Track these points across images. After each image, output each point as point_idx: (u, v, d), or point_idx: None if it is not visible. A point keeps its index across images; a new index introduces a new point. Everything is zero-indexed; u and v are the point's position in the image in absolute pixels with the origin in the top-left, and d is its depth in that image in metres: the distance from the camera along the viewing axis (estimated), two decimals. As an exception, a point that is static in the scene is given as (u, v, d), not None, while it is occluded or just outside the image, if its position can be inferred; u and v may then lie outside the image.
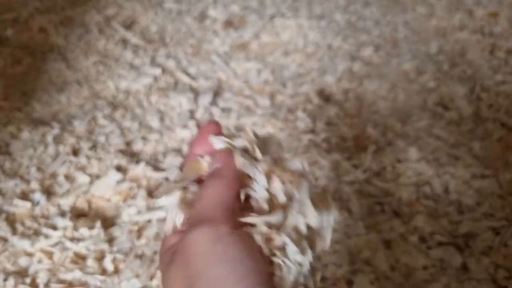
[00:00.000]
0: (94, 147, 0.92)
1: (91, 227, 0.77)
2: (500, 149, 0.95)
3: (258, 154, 0.37)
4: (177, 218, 0.35)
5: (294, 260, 0.32)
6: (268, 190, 0.35)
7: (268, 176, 0.35)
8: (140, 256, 0.73)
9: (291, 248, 0.32)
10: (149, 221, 0.78)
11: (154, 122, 0.99)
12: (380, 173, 0.89)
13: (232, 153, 0.36)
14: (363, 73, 1.18)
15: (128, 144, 0.93)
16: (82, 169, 0.87)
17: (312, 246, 0.34)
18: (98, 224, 0.77)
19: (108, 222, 0.79)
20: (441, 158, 0.92)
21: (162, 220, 0.78)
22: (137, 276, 0.70)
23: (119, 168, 0.87)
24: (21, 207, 0.79)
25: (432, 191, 0.86)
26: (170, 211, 0.36)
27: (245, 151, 0.37)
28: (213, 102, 1.06)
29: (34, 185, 0.83)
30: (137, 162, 0.88)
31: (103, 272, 0.71)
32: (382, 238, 0.77)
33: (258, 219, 0.32)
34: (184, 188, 0.37)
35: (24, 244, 0.73)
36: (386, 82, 1.14)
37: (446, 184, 0.87)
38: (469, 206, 0.83)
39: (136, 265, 0.72)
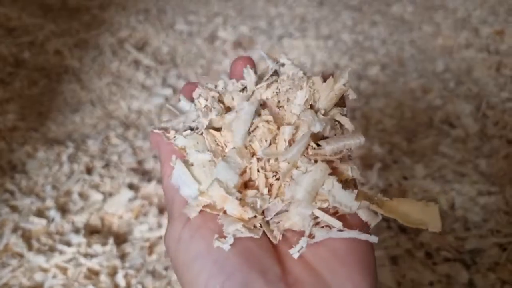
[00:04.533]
0: (107, 165, 0.94)
1: (104, 244, 0.78)
2: (506, 166, 0.95)
3: None
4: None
5: None
6: None
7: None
8: (152, 272, 0.75)
9: None
10: (160, 237, 0.80)
11: (165, 141, 1.01)
12: (387, 190, 0.90)
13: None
14: (369, 91, 1.20)
15: (140, 162, 0.95)
16: (96, 187, 0.89)
17: None
18: (111, 240, 0.78)
19: (121, 239, 0.81)
20: (447, 175, 0.93)
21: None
22: (148, 291, 0.72)
23: (131, 186, 0.89)
24: (36, 224, 0.81)
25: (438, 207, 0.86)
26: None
27: None
28: (223, 121, 1.08)
29: (49, 202, 0.85)
30: (149, 180, 0.90)
31: (116, 287, 0.73)
32: (389, 254, 0.78)
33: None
34: None
35: (39, 260, 0.75)
36: (393, 100, 1.16)
37: (452, 200, 0.87)
38: (475, 223, 0.84)
39: (148, 280, 0.73)
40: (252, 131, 0.31)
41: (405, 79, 1.24)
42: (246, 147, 0.30)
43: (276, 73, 0.36)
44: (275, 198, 0.29)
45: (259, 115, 0.31)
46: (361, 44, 1.41)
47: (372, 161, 0.96)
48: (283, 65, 0.36)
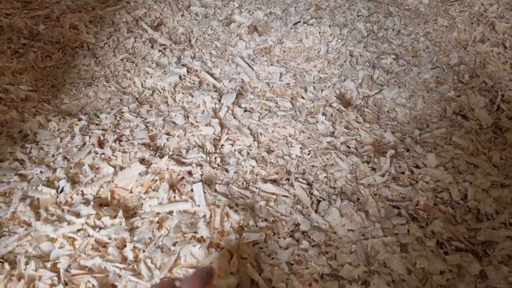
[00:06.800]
0: (119, 139, 0.93)
1: (113, 216, 0.78)
2: (519, 160, 0.94)
3: None
4: None
5: None
6: None
7: None
8: (161, 247, 0.74)
9: None
10: (170, 212, 0.79)
11: (178, 119, 1.01)
12: (398, 178, 0.89)
13: None
14: (383, 80, 1.19)
15: (152, 138, 0.95)
16: (107, 160, 0.88)
17: None
18: (120, 213, 0.78)
19: (130, 212, 0.80)
20: (460, 165, 0.92)
21: (183, 213, 0.79)
22: (156, 265, 0.71)
23: (142, 161, 0.88)
24: (45, 194, 0.81)
25: (450, 197, 0.86)
26: None
27: None
28: (236, 102, 1.08)
29: (60, 173, 0.85)
30: (161, 156, 0.90)
31: (123, 260, 0.72)
32: (399, 241, 0.77)
33: None
34: None
35: (47, 230, 0.74)
36: (406, 90, 1.15)
37: (464, 191, 0.87)
38: (488, 214, 0.83)
39: (157, 255, 0.72)
40: None
41: (419, 70, 1.23)
42: None
43: None
44: None
45: None
46: (375, 34, 1.39)
47: (384, 148, 0.96)
48: None
